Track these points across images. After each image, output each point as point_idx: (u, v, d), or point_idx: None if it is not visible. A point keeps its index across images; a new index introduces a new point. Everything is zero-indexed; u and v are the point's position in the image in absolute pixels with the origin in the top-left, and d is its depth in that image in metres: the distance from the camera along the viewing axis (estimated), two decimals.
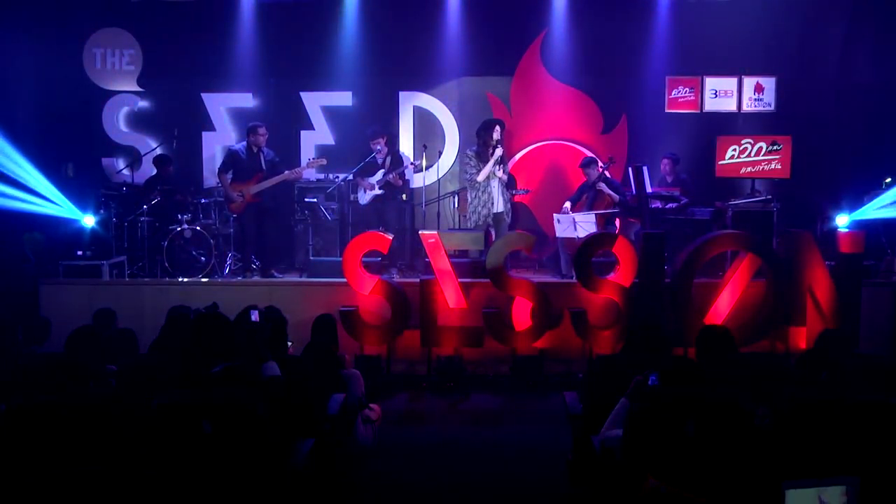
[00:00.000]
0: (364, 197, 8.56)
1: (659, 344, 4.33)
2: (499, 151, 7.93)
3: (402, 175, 8.57)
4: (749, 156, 8.56)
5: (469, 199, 8.16)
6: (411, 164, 8.82)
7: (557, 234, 7.94)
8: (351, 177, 8.70)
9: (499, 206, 8.02)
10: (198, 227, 8.16)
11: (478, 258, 7.84)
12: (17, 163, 7.92)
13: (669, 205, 8.29)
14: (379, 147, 8.51)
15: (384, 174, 8.45)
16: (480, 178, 7.95)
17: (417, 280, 7.32)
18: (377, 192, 8.49)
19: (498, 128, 8.01)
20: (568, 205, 8.15)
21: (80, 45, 9.53)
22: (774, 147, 8.50)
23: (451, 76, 9.55)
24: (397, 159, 8.66)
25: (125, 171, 9.14)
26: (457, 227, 8.94)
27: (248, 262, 8.26)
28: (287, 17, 9.47)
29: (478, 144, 8.11)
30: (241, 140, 8.54)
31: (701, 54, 9.29)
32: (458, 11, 9.42)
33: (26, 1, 9.11)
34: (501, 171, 8.00)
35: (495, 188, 8.00)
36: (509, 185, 8.34)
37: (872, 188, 8.35)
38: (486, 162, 7.96)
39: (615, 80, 9.44)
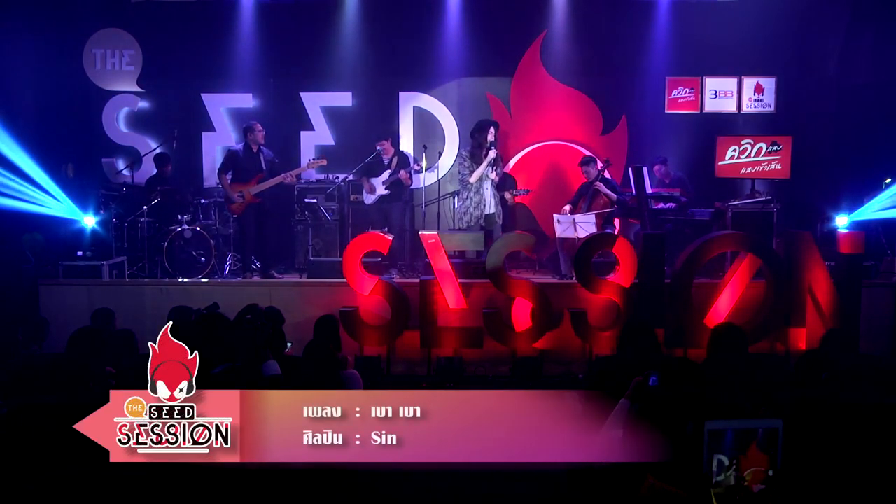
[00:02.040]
0: (369, 197, 8.55)
1: (650, 344, 4.33)
2: (492, 153, 7.93)
3: (410, 173, 8.54)
4: (749, 156, 8.56)
5: (461, 200, 8.16)
6: (416, 165, 8.81)
7: (557, 235, 7.94)
8: (351, 177, 8.71)
9: (490, 207, 8.03)
10: (198, 228, 8.16)
11: (477, 259, 7.84)
12: (16, 163, 7.92)
13: (669, 205, 8.30)
14: (381, 148, 8.48)
15: (391, 174, 8.43)
16: (473, 179, 7.97)
17: (417, 280, 7.32)
18: (383, 192, 8.48)
19: (493, 129, 8.02)
20: (568, 207, 8.15)
21: (80, 46, 9.53)
22: (774, 147, 8.50)
23: (451, 77, 9.55)
24: (403, 158, 8.66)
25: (125, 172, 9.14)
26: (457, 227, 8.94)
27: (248, 262, 8.26)
28: (287, 17, 9.47)
29: (472, 145, 8.12)
30: (241, 141, 8.55)
31: (701, 54, 9.29)
32: (458, 12, 9.42)
33: (26, 1, 9.11)
34: (494, 172, 8.01)
35: (487, 190, 8.01)
36: (501, 186, 8.32)
37: (872, 188, 8.35)
38: (479, 163, 7.96)
39: (615, 80, 9.45)
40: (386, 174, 8.46)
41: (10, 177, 7.82)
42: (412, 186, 8.90)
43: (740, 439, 2.39)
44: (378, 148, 8.48)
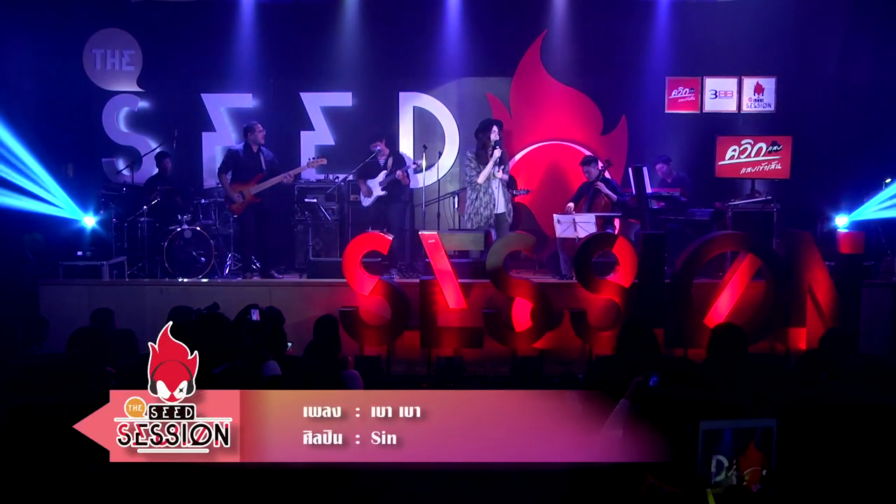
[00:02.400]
0: (366, 200, 8.56)
1: (650, 344, 4.33)
2: (497, 152, 7.95)
3: (407, 172, 8.55)
4: (749, 156, 8.56)
5: (469, 201, 8.15)
6: (414, 164, 8.83)
7: (557, 235, 7.94)
8: (351, 177, 8.72)
9: (500, 206, 8.04)
10: (198, 228, 8.17)
11: (478, 259, 7.84)
12: (17, 163, 7.93)
13: (660, 204, 8.30)
14: (379, 149, 8.50)
15: (387, 175, 8.44)
16: (480, 179, 7.96)
17: (417, 280, 7.32)
18: (380, 193, 8.49)
19: (496, 128, 8.02)
20: (571, 205, 8.16)
21: (80, 46, 9.54)
22: (774, 147, 8.50)
23: (451, 77, 9.55)
24: (399, 159, 8.67)
25: (125, 172, 9.15)
26: (457, 227, 8.94)
27: (248, 262, 8.27)
28: (287, 17, 9.49)
29: (476, 146, 8.11)
30: (241, 141, 8.55)
31: (701, 54, 9.30)
32: (458, 11, 9.43)
33: (26, 1, 9.12)
34: (502, 171, 8.02)
35: (496, 189, 8.02)
36: (510, 184, 8.35)
37: (872, 188, 8.35)
38: (485, 163, 7.96)
39: (615, 80, 9.45)
40: (382, 175, 8.47)
41: (11, 176, 7.83)
42: (411, 186, 8.91)
43: (739, 439, 2.40)
44: (376, 149, 8.49)
